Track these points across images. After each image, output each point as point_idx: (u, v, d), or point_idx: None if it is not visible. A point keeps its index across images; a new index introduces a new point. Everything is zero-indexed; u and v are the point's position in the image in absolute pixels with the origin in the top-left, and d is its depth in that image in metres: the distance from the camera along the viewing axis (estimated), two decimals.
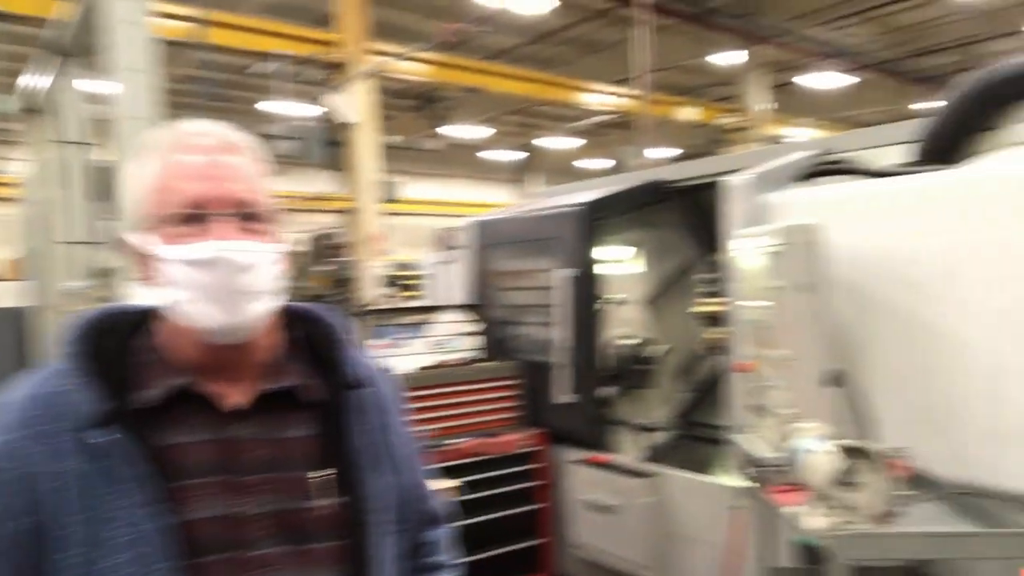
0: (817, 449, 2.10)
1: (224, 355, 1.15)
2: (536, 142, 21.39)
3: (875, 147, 3.33)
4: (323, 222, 11.18)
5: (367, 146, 10.28)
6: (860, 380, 2.74)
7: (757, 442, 2.85)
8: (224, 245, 1.10)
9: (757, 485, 2.59)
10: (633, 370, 4.29)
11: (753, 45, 13.90)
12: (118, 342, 1.16)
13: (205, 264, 1.09)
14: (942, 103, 3.00)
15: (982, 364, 2.54)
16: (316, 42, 10.48)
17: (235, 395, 1.16)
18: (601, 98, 14.83)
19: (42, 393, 1.11)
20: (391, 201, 11.00)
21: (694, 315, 4.16)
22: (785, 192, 3.22)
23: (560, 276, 4.08)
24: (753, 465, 2.61)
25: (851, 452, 2.02)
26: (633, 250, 4.64)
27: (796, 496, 2.26)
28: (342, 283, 8.94)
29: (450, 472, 3.75)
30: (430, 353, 4.26)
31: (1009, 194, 2.49)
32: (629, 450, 4.30)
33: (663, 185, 4.31)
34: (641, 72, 10.66)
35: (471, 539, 3.85)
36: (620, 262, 4.61)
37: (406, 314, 4.44)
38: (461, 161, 22.77)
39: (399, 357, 4.12)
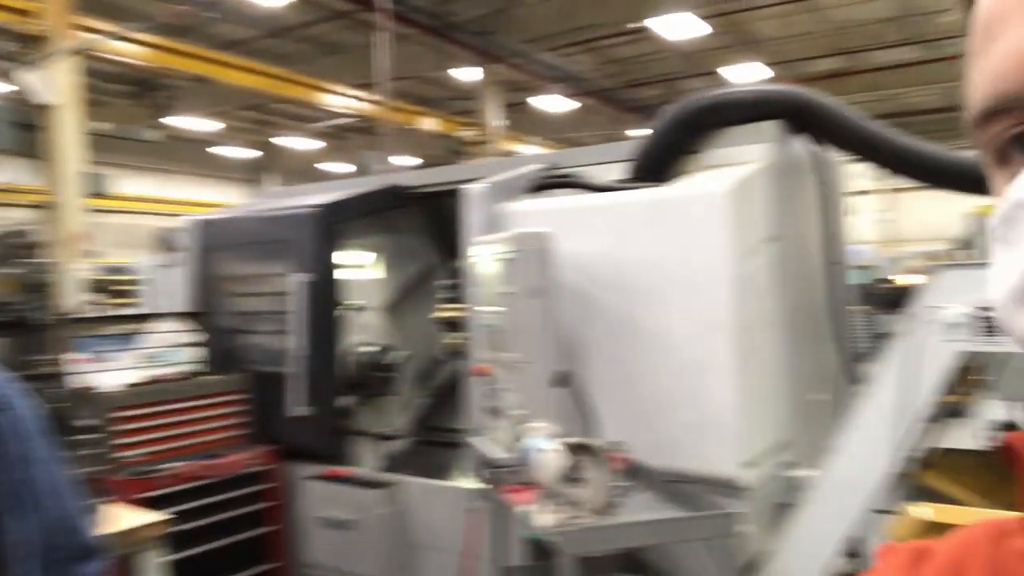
0: (545, 448, 2.18)
1: None
2: (274, 141, 20.48)
3: (597, 164, 3.58)
4: (14, 217, 9.67)
5: (70, 132, 9.03)
6: (585, 379, 2.92)
7: (492, 444, 2.92)
8: None
9: (491, 486, 2.64)
10: (373, 378, 4.20)
11: (489, 63, 14.52)
12: None
13: None
14: (652, 128, 3.31)
15: (683, 361, 2.82)
16: (11, 10, 9.05)
17: None
18: (342, 100, 14.57)
19: None
20: (98, 196, 9.78)
21: (434, 321, 4.18)
22: (518, 202, 3.35)
23: (296, 281, 3.88)
24: (487, 467, 2.66)
25: (576, 449, 2.13)
26: (373, 255, 4.56)
27: (527, 495, 2.33)
28: (35, 288, 7.75)
29: (168, 500, 3.38)
30: (142, 367, 3.81)
31: (700, 209, 2.80)
32: (368, 461, 4.20)
33: (403, 190, 4.29)
34: (382, 78, 10.64)
35: (194, 571, 3.55)
36: (359, 267, 4.51)
37: (114, 323, 3.94)
38: (186, 156, 21.09)
39: (104, 373, 3.63)
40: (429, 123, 15.60)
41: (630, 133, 19.00)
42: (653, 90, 17.59)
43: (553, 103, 16.93)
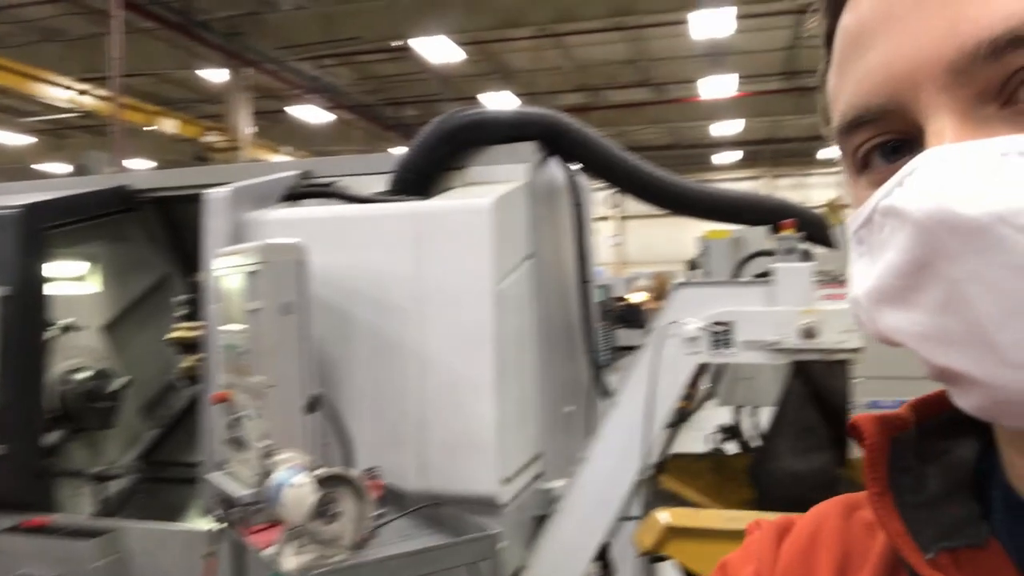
0: (293, 482, 1.96)
1: None
2: None
3: (356, 174, 3.41)
4: None
5: None
6: (340, 403, 2.72)
7: (234, 479, 2.61)
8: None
9: (231, 527, 2.34)
10: (87, 409, 3.62)
11: (238, 66, 13.67)
12: None
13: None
14: (414, 141, 3.21)
15: (443, 379, 2.74)
16: None
17: None
18: (63, 93, 12.89)
19: None
20: None
21: (169, 342, 3.71)
22: (268, 211, 3.07)
23: None
24: (227, 505, 2.36)
25: (327, 481, 1.93)
26: (90, 266, 3.95)
27: (272, 535, 2.09)
28: None
29: None
30: None
31: (463, 223, 2.75)
32: (81, 506, 3.61)
33: (132, 193, 3.79)
34: (113, 72, 9.54)
35: None
36: (73, 280, 3.88)
37: None
38: None
39: None
40: (170, 125, 14.32)
41: (389, 150, 18.95)
42: (412, 110, 17.72)
43: (310, 114, 16.38)
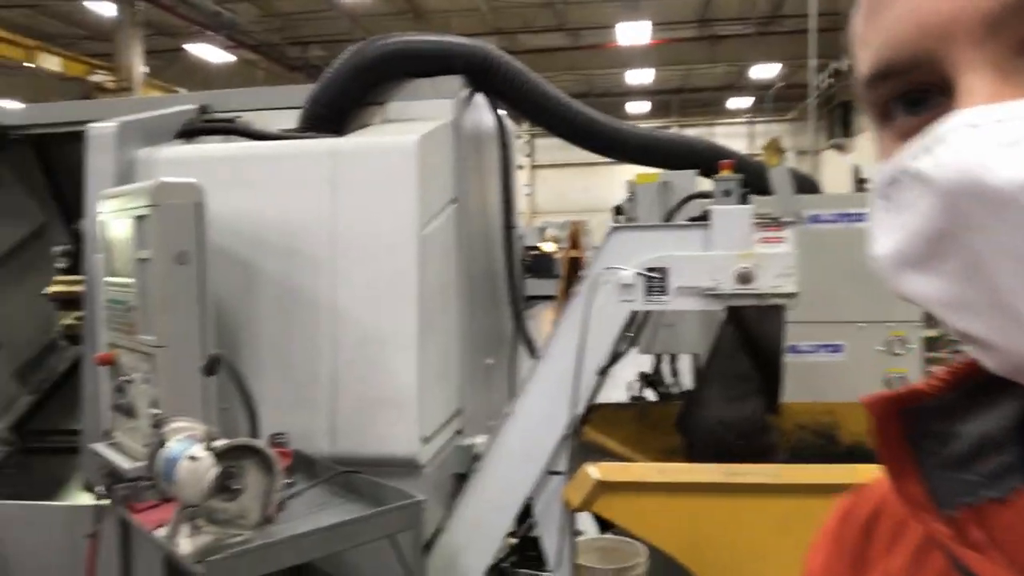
0: (189, 455, 1.72)
1: None
2: None
3: (261, 109, 3.07)
4: None
5: None
6: (244, 363, 2.46)
7: (121, 450, 2.33)
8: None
9: (118, 504, 2.07)
10: None
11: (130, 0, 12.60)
12: None
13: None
14: (328, 73, 2.90)
15: (356, 334, 2.52)
16: None
17: None
18: None
19: None
20: None
21: (47, 297, 3.32)
22: (161, 149, 2.72)
23: None
24: (113, 479, 2.09)
25: (228, 454, 1.70)
26: None
27: (165, 514, 1.85)
28: None
29: None
30: None
31: (385, 163, 2.50)
32: None
33: (2, 131, 3.32)
34: None
35: None
36: None
37: None
38: None
39: None
40: (51, 62, 13.13)
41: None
42: (319, 50, 16.87)
43: (209, 53, 15.36)
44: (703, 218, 2.60)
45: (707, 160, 3.21)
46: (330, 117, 2.89)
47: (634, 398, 4.11)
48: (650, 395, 4.20)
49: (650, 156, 3.46)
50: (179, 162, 2.62)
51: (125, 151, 2.65)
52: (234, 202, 2.54)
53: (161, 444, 1.83)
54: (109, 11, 12.88)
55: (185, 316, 2.12)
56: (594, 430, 3.28)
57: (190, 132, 2.89)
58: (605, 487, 2.48)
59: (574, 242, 11.51)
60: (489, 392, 3.22)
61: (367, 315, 2.50)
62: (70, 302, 3.22)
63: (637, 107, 23.99)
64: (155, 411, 1.98)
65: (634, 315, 3.07)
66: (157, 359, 2.11)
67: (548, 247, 15.83)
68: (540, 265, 11.72)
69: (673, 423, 3.09)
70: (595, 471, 2.49)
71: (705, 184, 3.41)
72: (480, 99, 3.05)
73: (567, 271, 9.84)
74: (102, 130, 2.64)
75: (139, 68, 13.19)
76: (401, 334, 2.49)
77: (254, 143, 2.73)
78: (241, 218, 2.55)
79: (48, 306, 3.38)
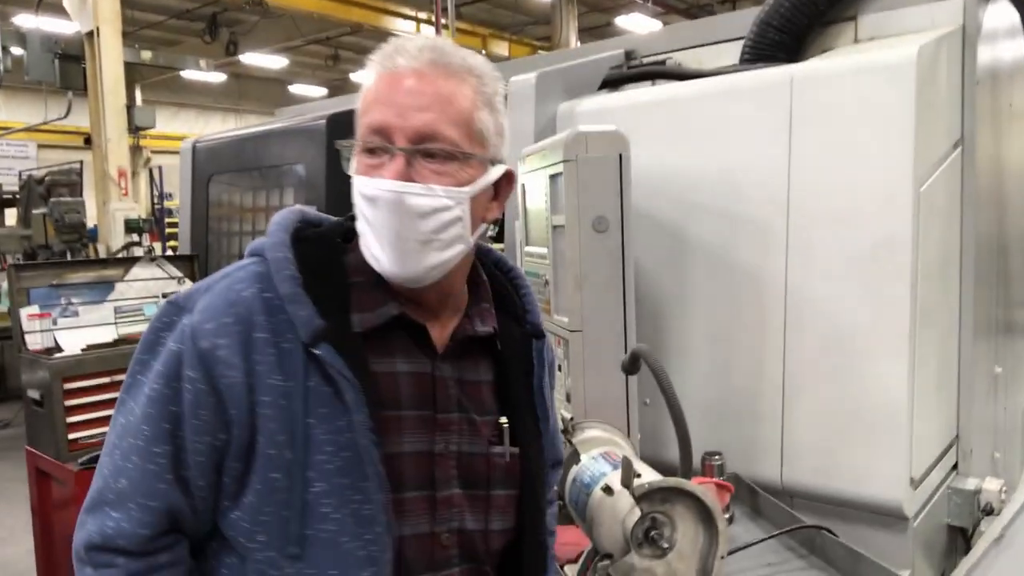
0: (605, 483, 1.28)
1: (416, 294, 1.07)
2: (352, 77, 19.77)
3: (694, 47, 2.57)
4: (54, 158, 9.24)
5: (111, 62, 8.38)
6: (670, 357, 2.00)
7: None
8: (384, 184, 0.99)
9: None
10: None
11: None
12: (332, 257, 1.07)
13: (370, 201, 1.01)
14: None
15: (819, 327, 1.86)
16: None
17: (440, 332, 1.11)
18: (410, 25, 13.59)
19: (261, 298, 1.01)
20: (141, 131, 9.18)
21: None
22: (582, 101, 2.38)
23: None
24: None
25: (654, 494, 1.22)
26: None
27: (572, 535, 1.47)
28: (72, 229, 7.22)
29: None
30: (113, 323, 3.06)
31: (856, 93, 1.78)
32: None
33: None
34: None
35: None
36: None
37: (83, 269, 3.17)
38: (258, 95, 20.68)
39: (65, 331, 2.88)
40: (500, 47, 14.45)
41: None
42: (753, 4, 15.86)
43: (638, 23, 15.44)
44: None
45: None
46: (783, 43, 2.25)
47: None
48: None
49: None
50: (603, 113, 2.24)
51: (545, 104, 2.36)
52: (662, 156, 2.07)
53: (575, 457, 1.45)
54: None
55: (603, 295, 1.71)
56: None
57: (616, 80, 2.50)
58: None
59: None
60: (995, 412, 2.30)
61: (836, 302, 1.84)
62: None
63: None
64: (566, 414, 1.62)
65: None
66: (571, 345, 1.74)
67: None
68: None
69: None
70: None
71: None
72: None
73: None
74: (520, 83, 2.39)
75: (574, 45, 13.83)
76: (886, 330, 1.77)
77: (689, 84, 2.21)
78: (670, 175, 2.08)
79: None
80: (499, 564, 1.14)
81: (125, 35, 13.27)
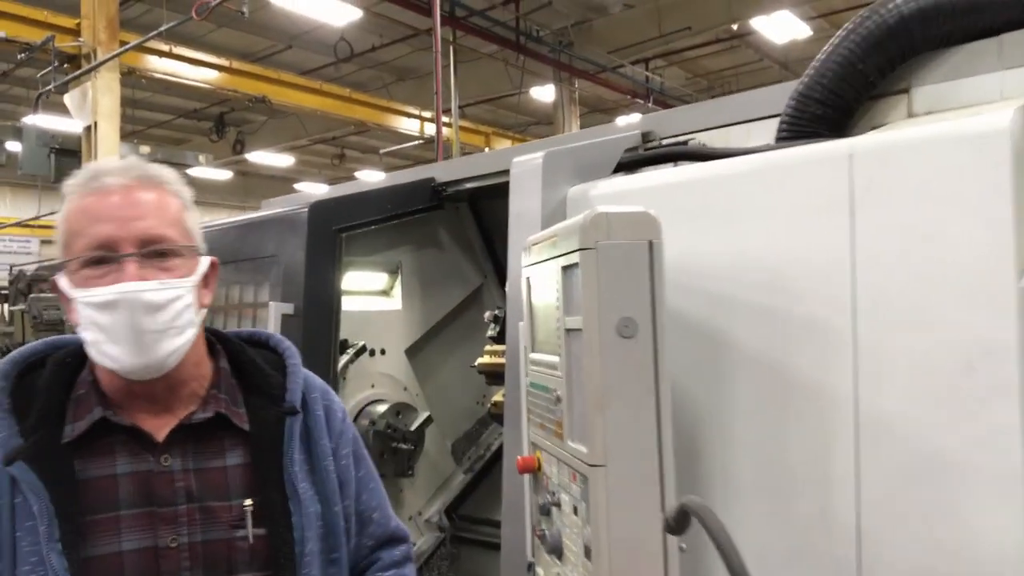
0: None
1: (147, 389, 1.19)
2: (357, 175, 19.99)
3: (718, 127, 2.28)
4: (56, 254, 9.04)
5: (109, 156, 8.30)
6: (715, 497, 1.60)
7: None
8: (127, 287, 1.12)
9: None
10: (384, 451, 2.95)
11: (569, 77, 13.36)
12: (54, 376, 1.20)
13: (107, 307, 1.13)
14: (823, 57, 1.99)
15: (900, 455, 1.48)
16: (50, 26, 8.50)
17: (161, 426, 1.20)
18: (415, 124, 13.70)
19: None
20: None
21: (479, 368, 2.94)
22: (597, 184, 2.07)
23: (276, 312, 2.70)
24: None
25: None
26: (387, 278, 3.31)
27: None
28: (50, 326, 6.90)
29: None
30: None
31: (935, 167, 1.46)
32: None
33: (439, 187, 3.07)
34: (453, 101, 9.61)
35: None
36: (370, 294, 3.28)
37: None
38: (264, 192, 20.88)
39: None
40: (502, 144, 14.57)
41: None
42: None
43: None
44: None
45: None
46: (826, 118, 1.96)
47: None
48: None
49: None
50: (622, 196, 1.92)
51: (553, 188, 2.05)
52: (692, 245, 1.74)
53: None
54: (549, 96, 13.83)
55: (633, 419, 1.34)
56: None
57: (632, 163, 2.20)
58: None
59: None
60: None
61: (922, 425, 1.46)
62: (499, 375, 2.77)
63: None
64: (598, 563, 1.22)
65: None
66: (591, 484, 1.35)
67: None
68: None
69: None
70: None
71: None
72: None
73: None
74: (525, 164, 2.09)
75: None
76: (990, 462, 1.39)
77: (721, 163, 1.90)
78: (703, 268, 1.74)
79: (471, 378, 3.02)
80: None
81: (132, 134, 13.37)
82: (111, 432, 1.16)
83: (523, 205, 2.04)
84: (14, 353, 1.23)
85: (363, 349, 3.00)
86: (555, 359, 1.55)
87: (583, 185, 2.06)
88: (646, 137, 2.37)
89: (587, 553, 1.38)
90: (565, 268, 1.46)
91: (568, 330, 1.46)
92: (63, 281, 1.17)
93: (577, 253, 1.37)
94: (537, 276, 1.72)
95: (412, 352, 3.26)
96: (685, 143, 2.24)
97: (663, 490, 1.33)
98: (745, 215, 1.73)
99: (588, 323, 1.35)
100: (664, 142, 2.31)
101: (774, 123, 2.08)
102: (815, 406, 1.58)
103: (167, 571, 1.13)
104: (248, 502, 1.17)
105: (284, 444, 1.23)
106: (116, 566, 1.11)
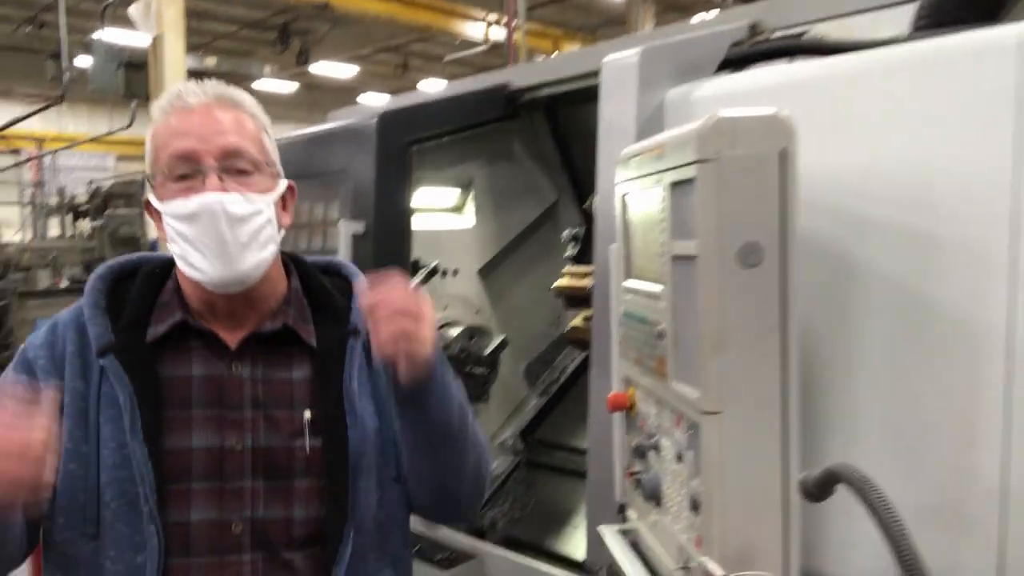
0: None
1: (227, 304, 1.29)
2: (420, 87, 19.64)
3: (838, 16, 1.98)
4: (133, 169, 9.16)
5: (174, 69, 8.19)
6: (841, 441, 1.42)
7: (637, 548, 1.51)
8: (209, 198, 1.21)
9: None
10: (466, 375, 2.84)
11: None
12: (144, 284, 1.32)
13: (191, 217, 1.22)
14: None
15: None
16: None
17: (236, 336, 1.30)
18: (480, 29, 13.21)
19: (76, 321, 1.30)
20: None
21: (556, 292, 2.78)
22: (701, 85, 1.82)
23: (346, 231, 2.57)
24: None
25: None
26: (459, 193, 3.13)
27: None
28: (125, 242, 7.02)
29: None
30: None
31: None
32: None
33: (514, 94, 2.83)
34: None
35: None
36: (442, 212, 3.11)
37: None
38: (329, 105, 20.76)
39: None
40: (571, 48, 13.94)
41: None
42: None
43: None
44: None
45: None
46: (975, 2, 1.66)
47: None
48: None
49: None
50: (730, 98, 1.66)
51: (650, 91, 1.80)
52: (817, 155, 1.49)
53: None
54: None
55: (756, 361, 1.15)
56: None
57: (740, 59, 1.93)
58: None
59: None
60: None
61: None
62: (579, 299, 2.61)
63: None
64: (689, 546, 1.07)
65: None
66: (703, 431, 1.18)
67: None
68: None
69: None
70: None
71: None
72: None
73: None
74: (618, 62, 1.84)
75: None
76: None
77: (848, 58, 1.63)
78: (829, 181, 1.50)
79: (549, 302, 2.86)
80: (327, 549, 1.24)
81: (198, 47, 13.31)
82: (189, 337, 1.28)
83: (615, 110, 1.81)
84: (110, 262, 1.36)
85: (435, 270, 2.86)
86: (657, 288, 1.36)
87: (683, 87, 1.82)
88: (754, 29, 2.09)
89: (694, 506, 1.22)
90: (675, 184, 1.25)
91: (677, 256, 1.26)
92: (151, 196, 1.26)
93: (693, 166, 1.16)
94: (636, 193, 1.51)
95: (485, 272, 3.10)
96: (800, 35, 1.95)
97: (787, 444, 1.15)
98: (880, 119, 1.48)
99: (705, 250, 1.15)
100: (776, 35, 2.03)
101: (906, 11, 1.79)
102: (961, 344, 1.36)
103: (230, 471, 1.22)
104: (308, 414, 1.25)
105: (345, 362, 1.30)
106: (186, 461, 1.21)
